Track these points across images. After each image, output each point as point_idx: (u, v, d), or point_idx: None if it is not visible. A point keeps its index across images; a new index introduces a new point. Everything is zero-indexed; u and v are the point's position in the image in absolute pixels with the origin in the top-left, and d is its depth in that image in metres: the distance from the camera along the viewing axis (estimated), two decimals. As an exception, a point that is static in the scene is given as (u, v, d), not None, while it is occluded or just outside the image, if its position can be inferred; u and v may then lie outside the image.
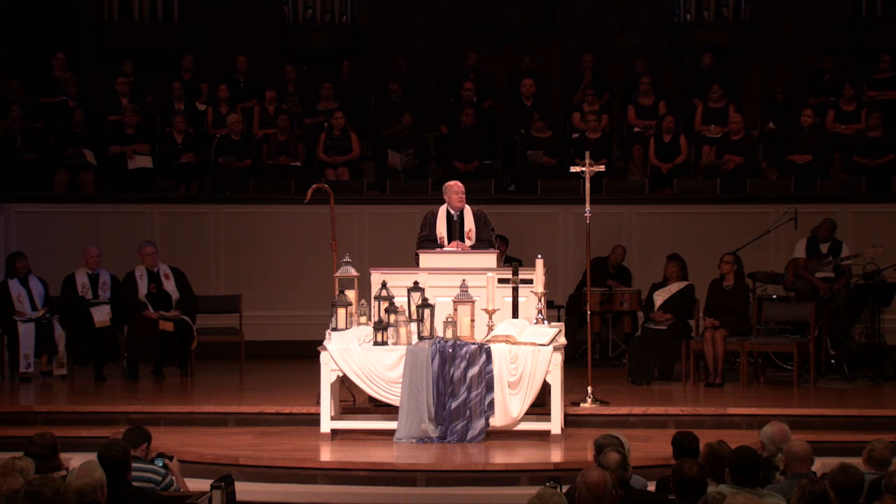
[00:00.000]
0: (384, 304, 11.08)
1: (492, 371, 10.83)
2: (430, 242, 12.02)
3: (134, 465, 7.53)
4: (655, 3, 18.49)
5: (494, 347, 10.89)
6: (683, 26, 18.24)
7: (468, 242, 12.01)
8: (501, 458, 10.39)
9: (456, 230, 12.07)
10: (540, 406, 11.06)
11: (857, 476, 6.69)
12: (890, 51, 17.07)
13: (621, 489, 6.70)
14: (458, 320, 11.01)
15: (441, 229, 12.05)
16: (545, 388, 10.94)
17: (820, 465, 7.48)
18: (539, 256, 11.42)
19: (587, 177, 12.08)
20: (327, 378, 10.99)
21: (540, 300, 11.26)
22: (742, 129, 15.99)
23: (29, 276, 13.73)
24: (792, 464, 7.36)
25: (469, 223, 12.07)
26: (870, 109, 16.15)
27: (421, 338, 11.05)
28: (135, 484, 7.31)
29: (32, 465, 6.72)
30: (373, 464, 10.19)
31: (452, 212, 12.12)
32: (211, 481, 7.61)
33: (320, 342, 11.07)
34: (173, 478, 7.99)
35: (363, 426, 11.22)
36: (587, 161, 12.07)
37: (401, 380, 10.88)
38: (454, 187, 12.18)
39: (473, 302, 11.05)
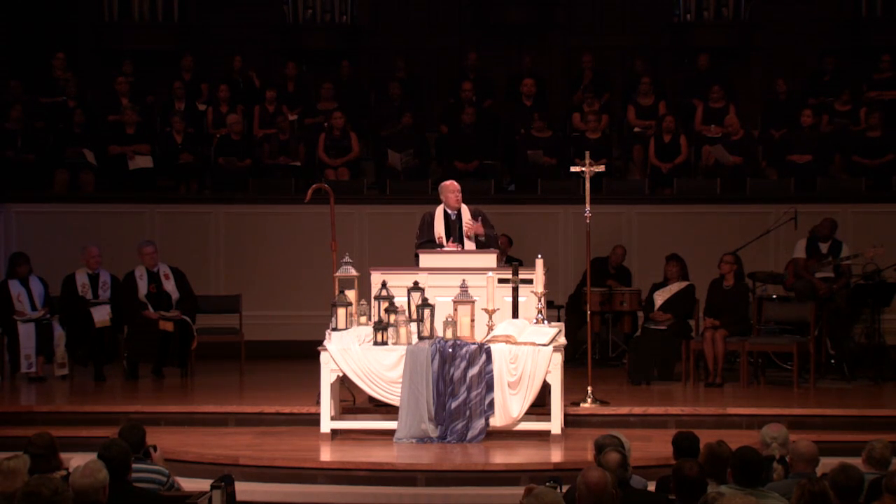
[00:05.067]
0: (384, 304, 11.08)
1: (492, 371, 10.83)
2: (430, 244, 12.02)
3: (138, 465, 7.54)
4: (655, 3, 18.49)
5: (494, 347, 10.89)
6: (683, 26, 18.24)
7: (467, 242, 12.00)
8: (501, 458, 10.39)
9: (454, 230, 12.07)
10: (540, 406, 11.06)
11: (857, 476, 6.69)
12: (890, 51, 17.08)
13: (621, 489, 6.70)
14: (458, 320, 11.01)
15: (439, 230, 12.05)
16: (545, 388, 10.94)
17: (820, 465, 7.47)
18: (539, 256, 11.42)
19: (587, 177, 12.08)
20: (327, 378, 11.00)
21: (540, 300, 11.26)
22: (740, 128, 16.04)
23: (29, 276, 13.73)
24: (796, 463, 7.36)
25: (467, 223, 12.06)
26: (870, 109, 16.15)
27: (421, 338, 11.05)
28: (140, 485, 7.32)
29: (26, 465, 6.70)
30: (373, 464, 10.19)
31: (450, 212, 12.12)
32: (211, 481, 7.61)
33: (320, 342, 11.07)
34: (175, 479, 7.99)
35: (363, 426, 11.22)
36: (587, 161, 12.07)
37: (401, 380, 10.88)
38: (450, 187, 12.18)
39: (473, 302, 11.05)
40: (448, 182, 12.31)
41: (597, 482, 6.23)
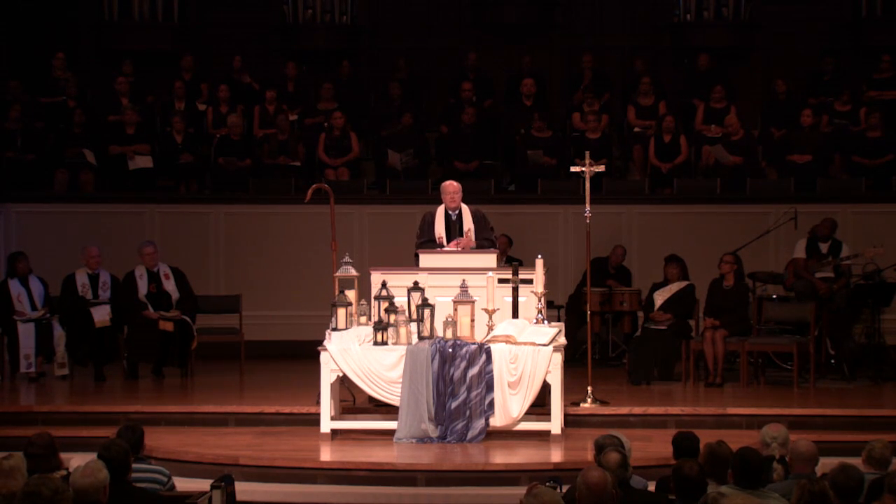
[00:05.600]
0: (384, 304, 11.09)
1: (492, 371, 10.83)
2: (430, 243, 12.02)
3: (138, 465, 7.54)
4: (655, 3, 18.49)
5: (494, 347, 10.89)
6: (683, 26, 18.24)
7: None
8: (501, 458, 10.39)
9: (455, 230, 12.06)
10: (540, 406, 11.06)
11: (856, 476, 6.69)
12: (890, 51, 17.08)
13: (621, 489, 6.70)
14: (458, 320, 11.01)
15: (440, 230, 12.05)
16: (545, 388, 10.94)
17: (820, 465, 7.47)
18: (539, 256, 11.42)
19: (587, 177, 12.08)
20: (327, 378, 10.99)
21: (540, 300, 11.26)
22: (740, 129, 16.04)
23: (29, 275, 13.73)
24: (796, 463, 7.35)
25: (468, 223, 12.07)
26: (870, 109, 16.16)
27: (421, 338, 11.05)
28: (141, 485, 7.33)
29: (24, 463, 6.71)
30: (373, 464, 10.20)
31: (450, 212, 12.12)
32: (211, 481, 7.61)
33: (320, 342, 11.07)
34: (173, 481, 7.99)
35: (363, 426, 11.22)
36: (587, 161, 12.07)
37: (401, 380, 10.88)
38: (448, 187, 12.19)
39: (473, 302, 11.05)
40: (447, 182, 12.32)
41: (597, 482, 6.23)
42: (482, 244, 12.00)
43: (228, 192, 16.00)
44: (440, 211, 12.15)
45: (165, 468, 8.05)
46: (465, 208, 12.13)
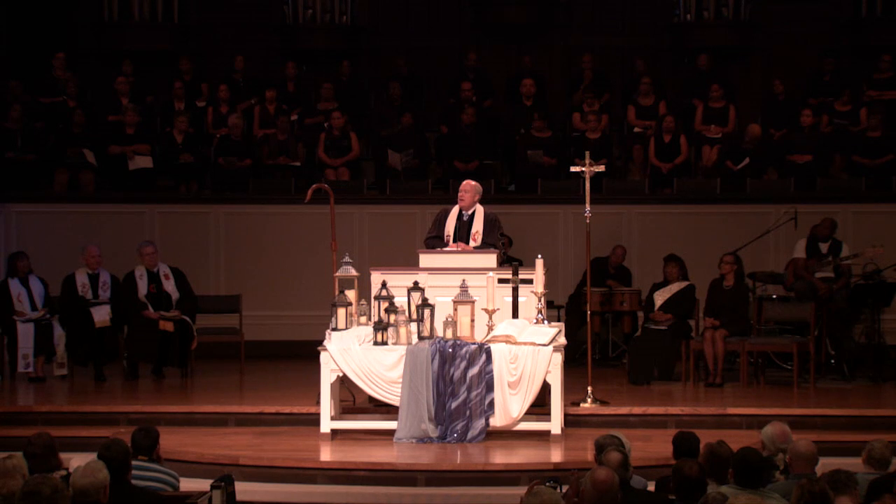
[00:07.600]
0: (384, 304, 11.09)
1: (492, 371, 10.83)
2: (437, 240, 12.01)
3: (152, 465, 7.55)
4: (655, 3, 18.49)
5: (494, 347, 10.89)
6: (683, 26, 18.25)
7: (472, 244, 11.97)
8: (501, 458, 10.39)
9: (464, 230, 12.03)
10: (540, 406, 11.06)
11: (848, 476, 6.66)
12: (890, 51, 17.09)
13: (621, 489, 6.70)
14: (458, 320, 11.01)
15: (449, 228, 12.03)
16: (545, 388, 10.94)
17: (820, 464, 7.46)
18: (539, 256, 11.42)
19: (587, 177, 12.08)
20: (327, 378, 11.00)
21: (540, 300, 11.26)
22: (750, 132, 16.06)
23: (29, 275, 13.73)
24: (796, 463, 7.35)
25: (477, 225, 12.00)
26: (870, 109, 16.16)
27: (421, 338, 11.05)
28: (152, 485, 7.33)
29: (24, 463, 6.71)
30: (373, 464, 10.20)
31: (463, 211, 12.08)
32: (211, 481, 7.61)
33: (320, 342, 11.07)
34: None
35: (363, 426, 11.22)
36: (587, 161, 12.07)
37: (401, 380, 10.88)
38: (462, 186, 12.16)
39: (473, 302, 11.05)
40: (464, 181, 12.29)
41: (603, 480, 6.24)
42: (483, 248, 11.96)
43: (228, 192, 16.00)
44: (455, 209, 12.12)
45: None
46: (479, 210, 12.04)
